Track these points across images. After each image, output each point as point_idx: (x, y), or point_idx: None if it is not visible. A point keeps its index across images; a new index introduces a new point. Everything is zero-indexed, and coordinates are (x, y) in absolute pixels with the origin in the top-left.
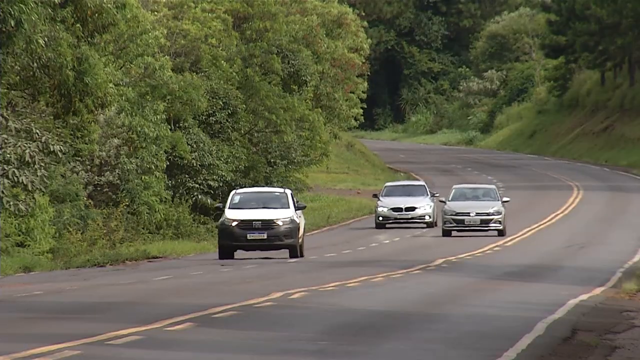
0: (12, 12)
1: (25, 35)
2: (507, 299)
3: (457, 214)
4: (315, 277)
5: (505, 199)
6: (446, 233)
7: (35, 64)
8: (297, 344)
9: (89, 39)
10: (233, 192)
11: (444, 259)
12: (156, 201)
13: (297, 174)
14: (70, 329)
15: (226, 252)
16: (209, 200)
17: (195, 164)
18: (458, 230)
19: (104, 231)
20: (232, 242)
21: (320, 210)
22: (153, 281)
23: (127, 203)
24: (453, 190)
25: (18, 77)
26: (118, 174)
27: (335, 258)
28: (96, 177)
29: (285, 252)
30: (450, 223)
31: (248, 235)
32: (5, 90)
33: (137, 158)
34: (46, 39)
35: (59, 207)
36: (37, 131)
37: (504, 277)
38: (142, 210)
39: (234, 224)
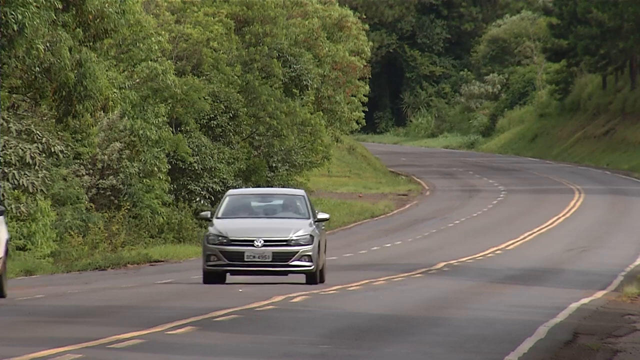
0: (15, 17)
1: (27, 39)
2: (508, 303)
3: (231, 242)
4: None
5: (322, 215)
6: (210, 277)
7: (37, 68)
8: (299, 348)
9: (91, 44)
10: None
11: (445, 263)
12: (158, 204)
13: (299, 177)
14: (71, 333)
15: None
16: (208, 205)
17: (197, 168)
18: (233, 272)
19: (106, 235)
20: None
21: None
22: (154, 285)
23: (129, 207)
24: (226, 199)
25: (20, 80)
26: (122, 178)
27: (337, 262)
28: (101, 181)
29: None
30: (219, 258)
31: None
32: (7, 93)
33: (139, 161)
34: (48, 44)
35: (60, 210)
36: (38, 132)
37: (505, 281)
38: (144, 213)
39: None
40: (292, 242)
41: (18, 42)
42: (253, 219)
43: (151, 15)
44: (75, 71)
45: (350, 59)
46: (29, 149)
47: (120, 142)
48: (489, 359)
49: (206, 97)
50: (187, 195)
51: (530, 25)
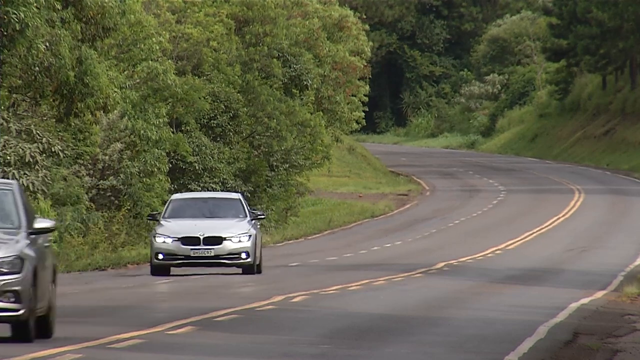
0: (17, 16)
1: (28, 39)
2: (508, 303)
3: None
4: (316, 281)
5: (43, 223)
6: None
7: (37, 67)
8: (299, 348)
9: (91, 43)
10: None
11: (445, 263)
12: (159, 203)
13: (299, 177)
14: (71, 333)
15: None
16: None
17: (197, 167)
18: None
19: (106, 235)
20: None
21: (321, 214)
22: (154, 285)
23: (129, 207)
24: None
25: (20, 80)
26: (122, 178)
27: (337, 262)
28: (102, 182)
29: None
30: None
31: None
32: (7, 93)
33: (140, 161)
34: (47, 43)
35: (60, 211)
36: (38, 132)
37: (505, 281)
38: (144, 213)
39: None
40: None
41: (19, 42)
42: None
43: (152, 15)
44: (76, 69)
45: (350, 59)
46: (29, 148)
47: (121, 143)
48: (489, 359)
49: (206, 97)
50: None
51: (530, 25)
